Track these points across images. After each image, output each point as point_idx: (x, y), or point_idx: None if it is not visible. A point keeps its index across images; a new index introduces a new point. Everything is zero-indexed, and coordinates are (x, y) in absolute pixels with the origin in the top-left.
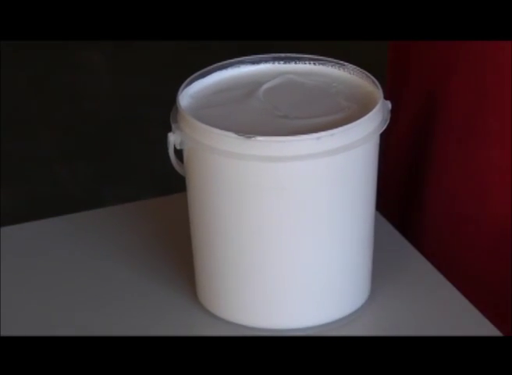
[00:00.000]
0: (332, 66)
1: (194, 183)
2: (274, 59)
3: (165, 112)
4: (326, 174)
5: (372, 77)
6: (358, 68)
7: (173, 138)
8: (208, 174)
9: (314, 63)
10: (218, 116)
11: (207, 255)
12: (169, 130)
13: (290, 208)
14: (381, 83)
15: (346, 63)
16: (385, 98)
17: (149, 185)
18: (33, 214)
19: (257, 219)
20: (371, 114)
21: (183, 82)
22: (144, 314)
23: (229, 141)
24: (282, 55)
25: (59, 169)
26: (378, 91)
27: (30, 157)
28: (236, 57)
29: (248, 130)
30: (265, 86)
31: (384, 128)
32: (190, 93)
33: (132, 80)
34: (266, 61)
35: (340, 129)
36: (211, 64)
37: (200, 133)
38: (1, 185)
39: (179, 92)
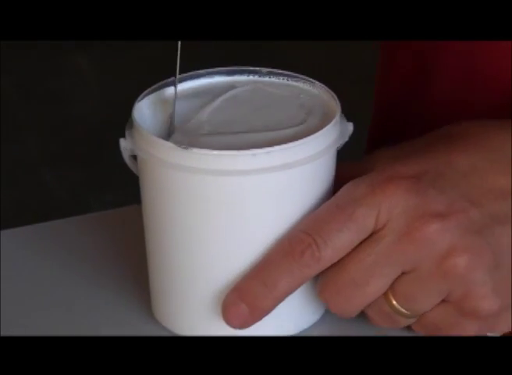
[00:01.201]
0: (303, 82)
1: (142, 192)
2: (248, 72)
3: None
4: (265, 190)
5: (335, 96)
6: (325, 86)
7: (124, 144)
8: (150, 182)
9: (285, 79)
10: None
11: (156, 268)
12: None
13: (235, 221)
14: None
15: (314, 81)
16: (344, 111)
17: (137, 191)
18: (19, 219)
19: (201, 231)
20: (315, 135)
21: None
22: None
23: (166, 151)
24: (257, 68)
25: (46, 174)
26: (337, 115)
27: (16, 162)
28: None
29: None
30: (226, 95)
31: (336, 149)
32: (151, 101)
33: (120, 85)
34: (240, 73)
35: (277, 148)
36: (197, 69)
37: (144, 140)
38: None
39: (138, 99)
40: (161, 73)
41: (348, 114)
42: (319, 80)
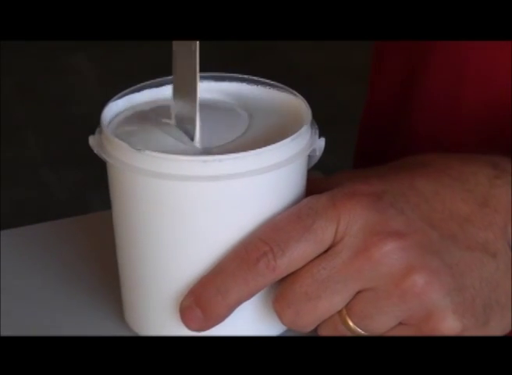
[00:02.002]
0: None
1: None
2: (215, 79)
3: None
4: (214, 198)
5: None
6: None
7: (91, 141)
8: (110, 183)
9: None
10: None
11: (120, 269)
12: None
13: (186, 226)
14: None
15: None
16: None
17: None
18: (19, 219)
19: (155, 234)
20: (270, 147)
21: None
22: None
23: (123, 152)
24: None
25: (46, 173)
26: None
27: (16, 161)
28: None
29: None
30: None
31: (298, 163)
32: (122, 104)
33: (120, 85)
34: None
35: (230, 156)
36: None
37: (106, 140)
38: None
39: (111, 100)
40: (161, 74)
41: (346, 116)
42: (319, 82)
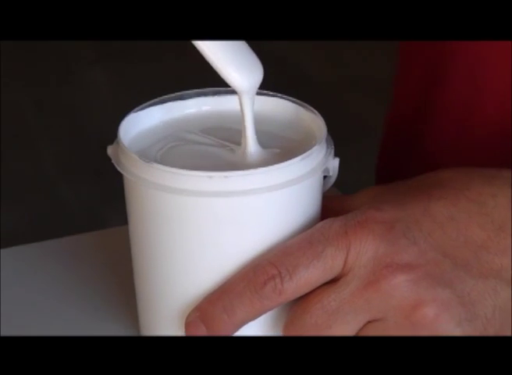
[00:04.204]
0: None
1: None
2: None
3: None
4: (224, 214)
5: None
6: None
7: (110, 151)
8: (125, 194)
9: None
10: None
11: (136, 284)
12: None
13: (196, 243)
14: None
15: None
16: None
17: None
18: (34, 234)
19: (163, 247)
20: (278, 165)
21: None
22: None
23: (134, 164)
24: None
25: (61, 188)
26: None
27: (32, 174)
28: None
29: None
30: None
31: (309, 182)
32: (142, 116)
33: (134, 98)
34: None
35: (237, 172)
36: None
37: (121, 151)
38: (2, 205)
39: (131, 111)
40: (175, 86)
41: (364, 130)
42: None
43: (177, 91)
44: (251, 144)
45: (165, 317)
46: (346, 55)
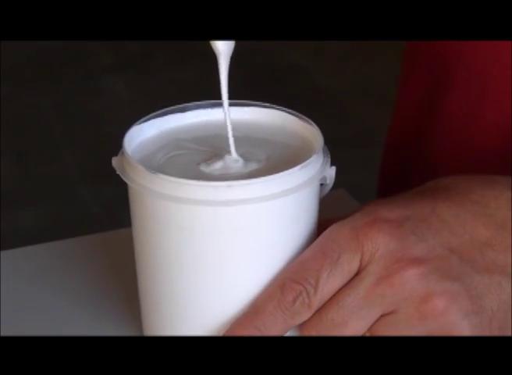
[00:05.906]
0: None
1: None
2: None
3: None
4: (227, 223)
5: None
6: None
7: (114, 163)
8: (130, 203)
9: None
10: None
11: (141, 288)
12: None
13: (199, 251)
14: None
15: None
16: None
17: None
18: (57, 236)
19: (173, 259)
20: (278, 175)
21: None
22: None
23: (139, 174)
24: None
25: (83, 191)
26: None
27: (55, 179)
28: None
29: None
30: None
31: (303, 191)
32: (146, 127)
33: (153, 106)
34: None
35: (239, 182)
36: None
37: (126, 162)
38: (27, 207)
39: (135, 123)
40: (194, 96)
41: (372, 137)
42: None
43: (194, 100)
44: (234, 151)
45: (169, 321)
46: (353, 61)
